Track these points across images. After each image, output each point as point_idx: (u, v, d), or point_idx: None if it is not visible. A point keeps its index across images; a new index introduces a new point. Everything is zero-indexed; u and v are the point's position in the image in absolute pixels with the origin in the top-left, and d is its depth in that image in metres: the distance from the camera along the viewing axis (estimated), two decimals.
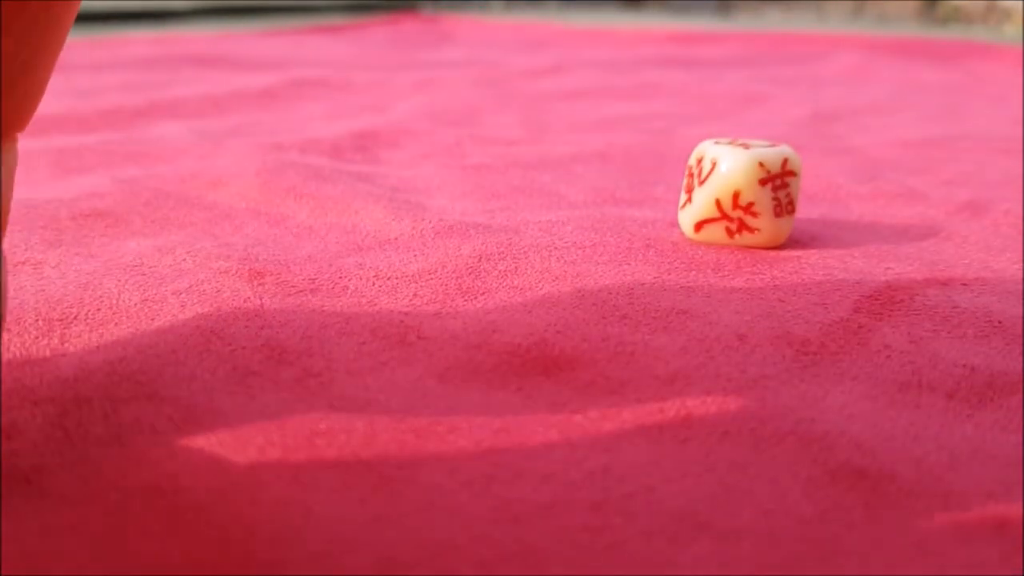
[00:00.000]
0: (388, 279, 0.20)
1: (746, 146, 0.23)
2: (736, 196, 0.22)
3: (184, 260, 0.22)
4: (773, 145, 0.23)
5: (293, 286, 0.20)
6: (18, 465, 0.13)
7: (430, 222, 0.24)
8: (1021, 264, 0.22)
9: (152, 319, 0.18)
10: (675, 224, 0.25)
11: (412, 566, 0.11)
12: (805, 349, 0.17)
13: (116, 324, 0.18)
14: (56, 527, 0.12)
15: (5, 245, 0.23)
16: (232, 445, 0.14)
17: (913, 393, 0.15)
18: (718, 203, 0.22)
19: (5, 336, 0.18)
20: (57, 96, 0.47)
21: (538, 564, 0.11)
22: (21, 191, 0.29)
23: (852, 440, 0.14)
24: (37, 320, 0.18)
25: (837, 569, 0.11)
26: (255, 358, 0.17)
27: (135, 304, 0.19)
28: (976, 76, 0.63)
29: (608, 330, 0.17)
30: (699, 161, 0.23)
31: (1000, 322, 0.18)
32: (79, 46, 0.71)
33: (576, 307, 0.18)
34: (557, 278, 0.20)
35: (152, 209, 0.26)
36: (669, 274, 0.20)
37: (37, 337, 0.18)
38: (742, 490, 0.13)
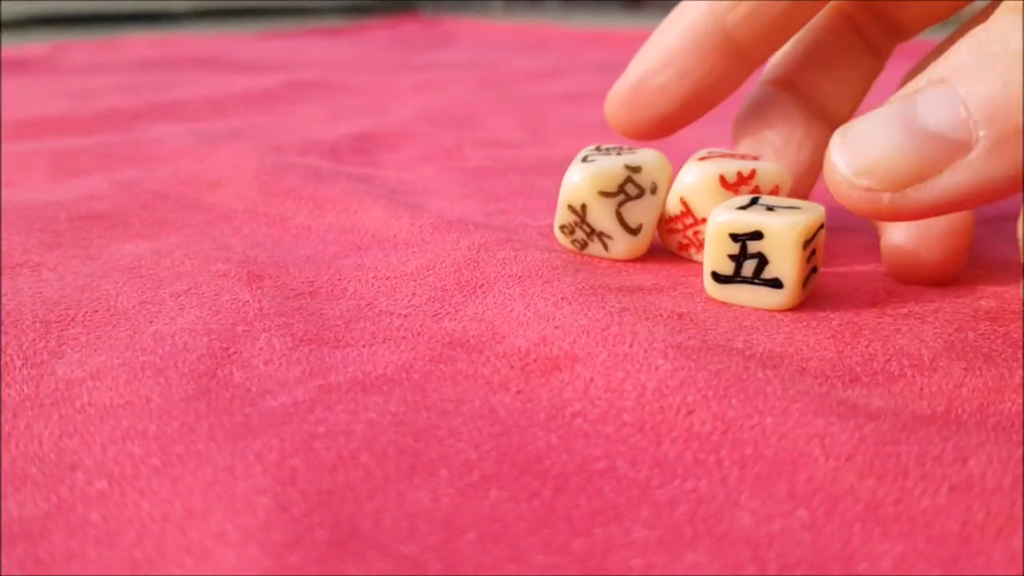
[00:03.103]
0: (387, 279, 0.20)
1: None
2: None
3: (183, 262, 0.22)
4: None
5: (292, 289, 0.20)
6: None
7: (428, 219, 0.24)
8: None
9: (150, 321, 0.18)
10: None
11: (409, 571, 0.11)
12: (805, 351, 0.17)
13: (114, 326, 0.18)
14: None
15: (4, 247, 0.23)
16: None
17: None
18: None
19: (3, 339, 0.18)
20: (54, 98, 0.47)
21: (534, 569, 0.11)
22: (18, 193, 0.28)
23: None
24: (35, 322, 0.18)
25: None
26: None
27: (133, 306, 0.19)
28: None
29: (608, 331, 0.17)
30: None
31: None
32: (76, 47, 0.71)
33: (576, 305, 0.18)
34: (556, 268, 0.20)
35: (150, 211, 0.26)
36: (667, 279, 0.20)
37: (34, 339, 0.18)
38: (746, 492, 0.13)
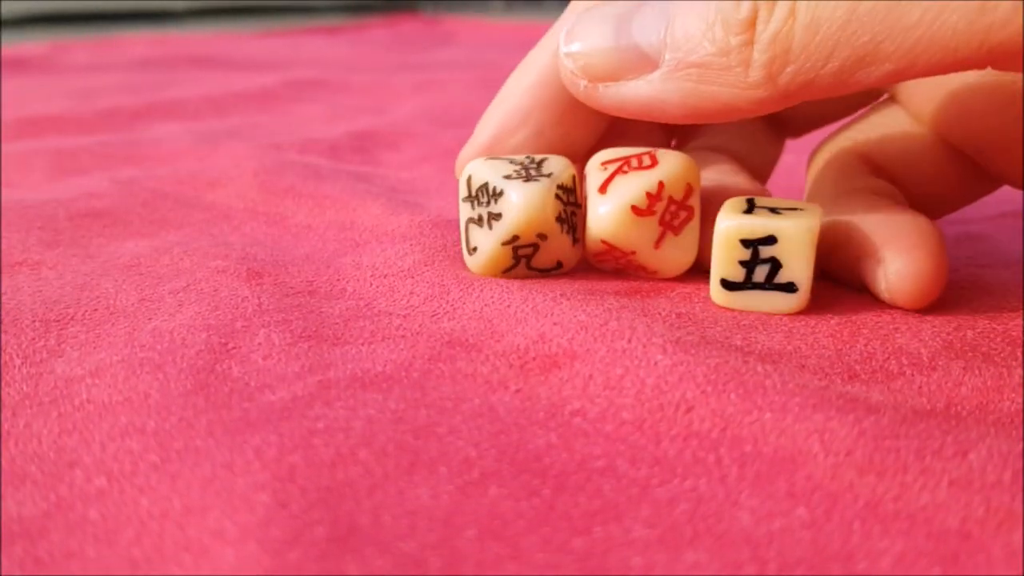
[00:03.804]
0: (385, 277, 0.20)
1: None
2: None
3: (182, 259, 0.22)
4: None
5: (291, 287, 0.20)
6: None
7: (428, 217, 0.24)
8: None
9: (149, 318, 0.18)
10: None
11: (408, 568, 0.11)
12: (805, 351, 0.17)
13: (113, 324, 0.18)
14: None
15: (3, 246, 0.23)
16: None
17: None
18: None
19: (3, 338, 0.18)
20: (54, 97, 0.47)
21: (534, 567, 0.11)
22: (18, 192, 0.28)
23: None
24: (34, 321, 0.18)
25: None
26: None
27: (132, 304, 0.19)
28: None
29: (607, 327, 0.17)
30: None
31: None
32: (76, 47, 0.71)
33: (574, 301, 0.18)
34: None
35: (150, 210, 0.26)
36: (666, 282, 0.20)
37: (34, 338, 0.18)
38: (746, 490, 0.13)
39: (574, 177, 0.19)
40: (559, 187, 0.19)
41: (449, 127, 0.41)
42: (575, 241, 0.20)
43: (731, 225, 0.18)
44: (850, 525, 0.12)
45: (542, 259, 0.20)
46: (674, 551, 0.11)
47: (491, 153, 0.20)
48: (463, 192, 0.20)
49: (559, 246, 0.19)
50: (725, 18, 0.16)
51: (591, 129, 0.21)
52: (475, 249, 0.20)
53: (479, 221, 0.19)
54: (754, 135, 0.23)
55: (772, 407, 0.14)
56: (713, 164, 0.21)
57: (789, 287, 0.18)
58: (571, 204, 0.19)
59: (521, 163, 0.20)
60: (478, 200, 0.19)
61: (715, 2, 0.16)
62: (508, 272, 0.20)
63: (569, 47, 0.18)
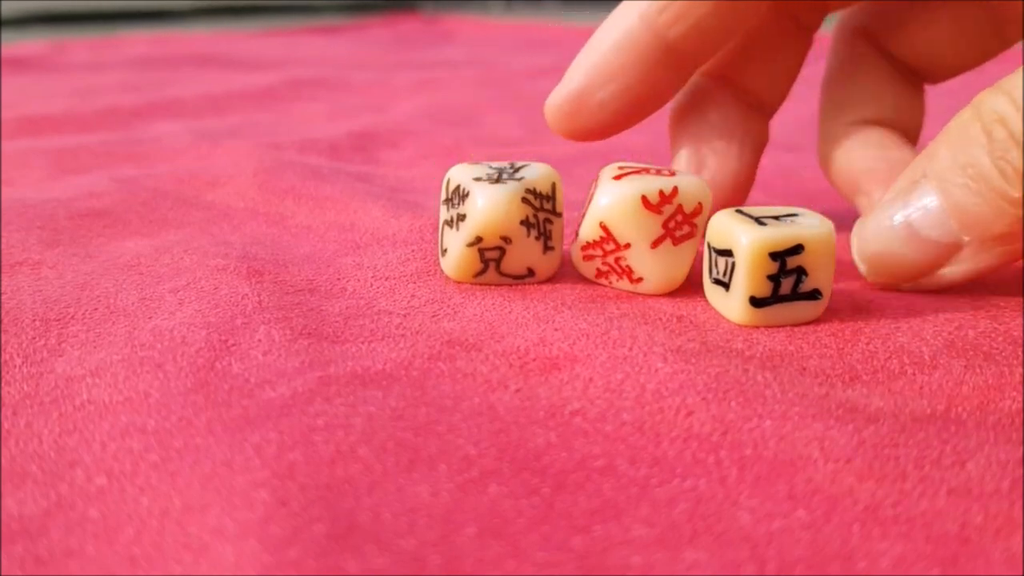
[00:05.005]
0: (386, 279, 0.20)
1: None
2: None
3: (182, 258, 0.22)
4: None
5: (291, 285, 0.20)
6: None
7: (429, 218, 0.24)
8: None
9: (149, 317, 0.18)
10: None
11: (408, 565, 0.11)
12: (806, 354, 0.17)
13: (113, 323, 0.18)
14: None
15: (4, 246, 0.23)
16: None
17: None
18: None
19: (3, 337, 0.18)
20: (54, 96, 0.47)
21: (533, 565, 0.11)
22: (18, 191, 0.28)
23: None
24: (34, 320, 0.18)
25: None
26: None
27: (132, 303, 0.19)
28: None
29: (608, 335, 0.17)
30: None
31: None
32: (76, 46, 0.71)
33: (575, 310, 0.18)
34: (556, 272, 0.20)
35: (150, 209, 0.26)
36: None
37: (34, 337, 0.18)
38: (745, 491, 0.13)
39: (555, 185, 0.19)
40: (529, 191, 0.19)
41: (449, 126, 0.41)
42: (548, 249, 0.20)
43: (758, 238, 0.17)
44: (849, 527, 0.12)
45: (511, 264, 0.19)
46: (673, 550, 0.11)
47: (581, 104, 0.21)
48: (442, 195, 0.20)
49: (527, 252, 0.19)
50: (1005, 196, 0.17)
51: (676, 83, 0.22)
52: (446, 251, 0.20)
53: (451, 223, 0.19)
54: (896, 95, 0.24)
55: (772, 415, 0.14)
56: (878, 140, 0.23)
57: (814, 295, 0.18)
58: (544, 211, 0.19)
59: (499, 168, 0.20)
60: (452, 202, 0.19)
61: (985, 185, 0.17)
62: (479, 276, 0.20)
63: (866, 265, 0.20)
